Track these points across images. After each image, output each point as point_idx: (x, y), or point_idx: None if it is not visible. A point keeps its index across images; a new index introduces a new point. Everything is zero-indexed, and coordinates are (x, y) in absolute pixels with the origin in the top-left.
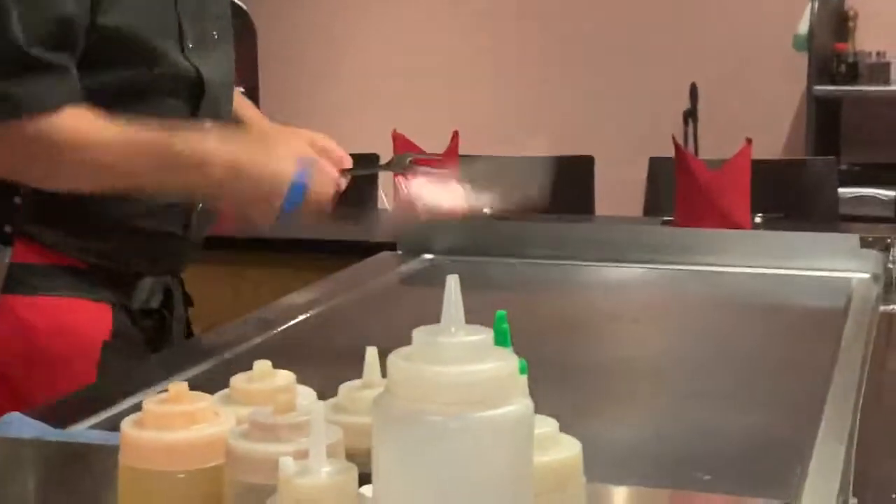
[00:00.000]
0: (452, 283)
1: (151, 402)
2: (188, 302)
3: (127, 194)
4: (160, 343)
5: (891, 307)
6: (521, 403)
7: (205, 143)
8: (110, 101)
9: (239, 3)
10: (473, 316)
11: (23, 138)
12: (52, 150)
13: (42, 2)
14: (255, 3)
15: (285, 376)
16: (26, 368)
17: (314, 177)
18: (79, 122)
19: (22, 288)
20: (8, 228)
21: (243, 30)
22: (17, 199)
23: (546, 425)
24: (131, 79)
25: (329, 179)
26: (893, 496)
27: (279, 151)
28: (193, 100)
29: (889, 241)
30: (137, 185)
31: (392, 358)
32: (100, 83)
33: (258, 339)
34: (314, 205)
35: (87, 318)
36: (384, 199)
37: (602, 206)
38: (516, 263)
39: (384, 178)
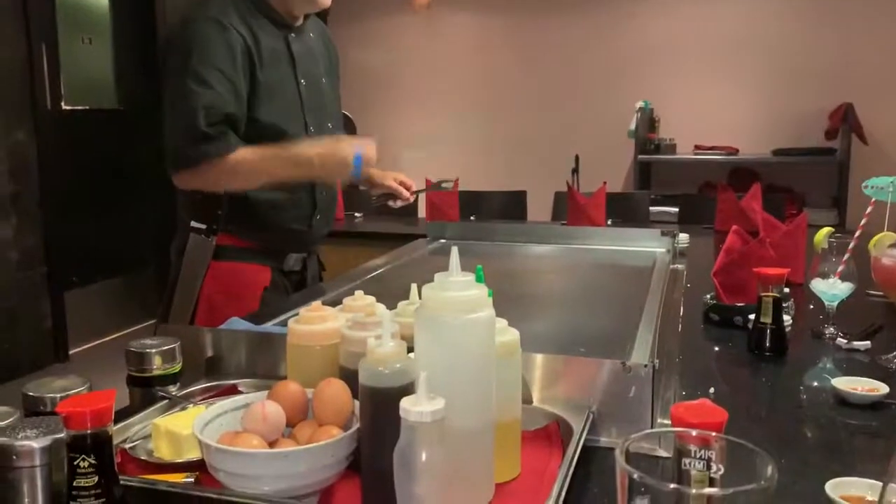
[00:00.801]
0: (454, 252)
1: (303, 311)
2: (322, 266)
3: (280, 204)
4: (300, 289)
5: (674, 266)
6: (488, 311)
7: (304, 148)
8: None
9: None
10: (465, 268)
11: (217, 168)
12: (230, 170)
13: (216, 106)
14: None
15: (370, 298)
16: (224, 298)
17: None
18: (244, 153)
19: (222, 258)
20: (214, 226)
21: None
22: (220, 211)
23: (501, 323)
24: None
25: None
26: (677, 360)
27: (345, 145)
28: None
29: (674, 232)
30: (276, 178)
31: (424, 288)
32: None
33: (357, 282)
34: (367, 165)
35: (256, 274)
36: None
37: (530, 216)
38: (488, 244)
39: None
